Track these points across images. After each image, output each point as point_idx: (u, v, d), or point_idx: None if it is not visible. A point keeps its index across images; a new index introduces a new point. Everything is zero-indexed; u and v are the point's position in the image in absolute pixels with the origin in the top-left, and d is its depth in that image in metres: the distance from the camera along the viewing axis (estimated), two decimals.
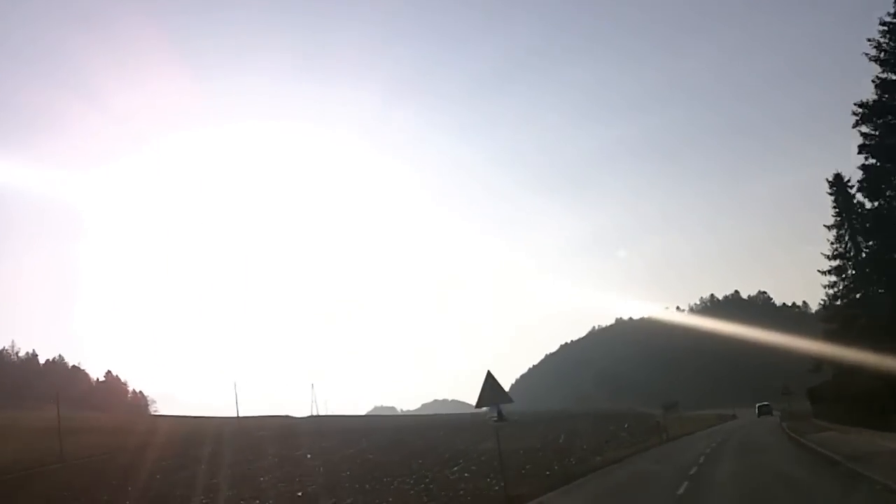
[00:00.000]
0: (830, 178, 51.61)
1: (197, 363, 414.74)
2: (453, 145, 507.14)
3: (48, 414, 78.11)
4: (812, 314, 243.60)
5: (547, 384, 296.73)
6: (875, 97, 42.22)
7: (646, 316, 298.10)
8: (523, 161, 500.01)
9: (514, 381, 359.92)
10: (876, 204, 45.23)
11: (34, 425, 78.27)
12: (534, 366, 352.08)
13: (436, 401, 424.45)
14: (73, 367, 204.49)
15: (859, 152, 43.34)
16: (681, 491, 21.27)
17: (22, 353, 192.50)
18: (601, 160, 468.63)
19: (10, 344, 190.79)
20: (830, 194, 51.73)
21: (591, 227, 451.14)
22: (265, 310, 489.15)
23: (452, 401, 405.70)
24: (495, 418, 22.89)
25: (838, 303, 53.36)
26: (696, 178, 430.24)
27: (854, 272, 50.89)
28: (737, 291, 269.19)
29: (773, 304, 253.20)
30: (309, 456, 55.75)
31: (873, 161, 43.02)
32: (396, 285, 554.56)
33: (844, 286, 51.78)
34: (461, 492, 28.43)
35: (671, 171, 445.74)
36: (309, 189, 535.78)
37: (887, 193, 43.83)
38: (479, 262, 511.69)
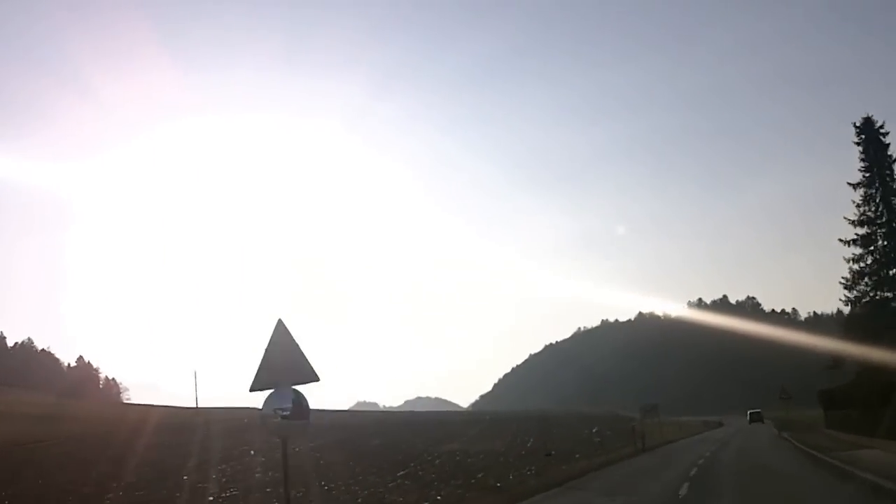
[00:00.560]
0: (858, 123, 42.40)
1: (180, 353, 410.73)
2: (441, 140, 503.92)
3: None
4: (801, 321, 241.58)
5: (530, 384, 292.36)
6: None
7: (632, 318, 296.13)
8: (512, 158, 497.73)
9: (497, 381, 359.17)
10: None
11: None
12: (517, 365, 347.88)
13: (419, 398, 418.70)
14: (43, 350, 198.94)
15: None
16: None
17: None
18: (591, 160, 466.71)
19: None
20: (858, 143, 42.69)
21: (580, 227, 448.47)
22: (249, 301, 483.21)
23: (436, 398, 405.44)
24: (283, 412, 11.69)
25: (865, 281, 44.15)
26: (686, 182, 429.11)
27: (886, 243, 42.62)
28: (725, 296, 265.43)
29: (762, 310, 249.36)
30: (252, 453, 50.63)
31: None
32: (382, 280, 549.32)
33: (874, 260, 43.28)
34: None
35: (661, 173, 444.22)
36: (294, 181, 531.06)
37: None
38: (466, 259, 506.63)
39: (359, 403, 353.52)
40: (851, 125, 42.46)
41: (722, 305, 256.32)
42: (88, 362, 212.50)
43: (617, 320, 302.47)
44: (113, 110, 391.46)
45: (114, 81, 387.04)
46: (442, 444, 52.67)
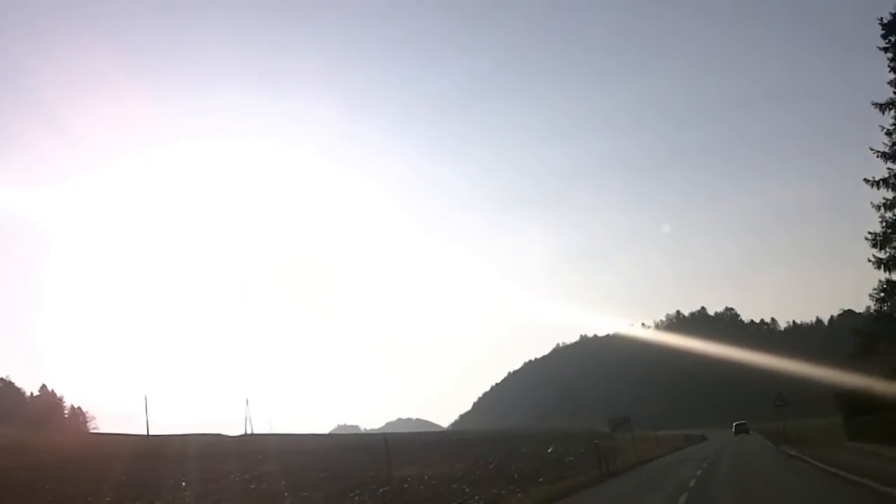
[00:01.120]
0: (885, 19, 32.72)
1: (160, 382, 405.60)
2: (420, 160, 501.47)
3: None
4: (780, 331, 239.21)
5: (510, 402, 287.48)
6: None
7: (611, 332, 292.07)
8: (492, 177, 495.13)
9: (477, 400, 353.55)
10: None
11: None
12: (497, 384, 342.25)
13: (400, 419, 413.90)
14: (1, 379, 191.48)
15: None
16: None
17: None
18: (571, 177, 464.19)
19: None
20: (884, 49, 33.20)
21: (561, 243, 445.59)
22: (226, 326, 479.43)
23: (417, 419, 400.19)
24: None
25: None
26: (666, 197, 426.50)
27: None
28: (703, 308, 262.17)
29: (741, 321, 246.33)
30: (183, 484, 45.93)
31: None
32: (364, 302, 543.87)
33: None
34: None
35: (640, 188, 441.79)
36: (272, 206, 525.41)
37: None
38: (447, 279, 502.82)
39: (339, 427, 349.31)
40: (877, 22, 33.12)
41: (700, 318, 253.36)
42: (52, 391, 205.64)
43: (596, 335, 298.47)
44: (83, 138, 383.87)
45: (87, 110, 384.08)
46: (399, 469, 48.22)
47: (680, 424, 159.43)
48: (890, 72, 32.99)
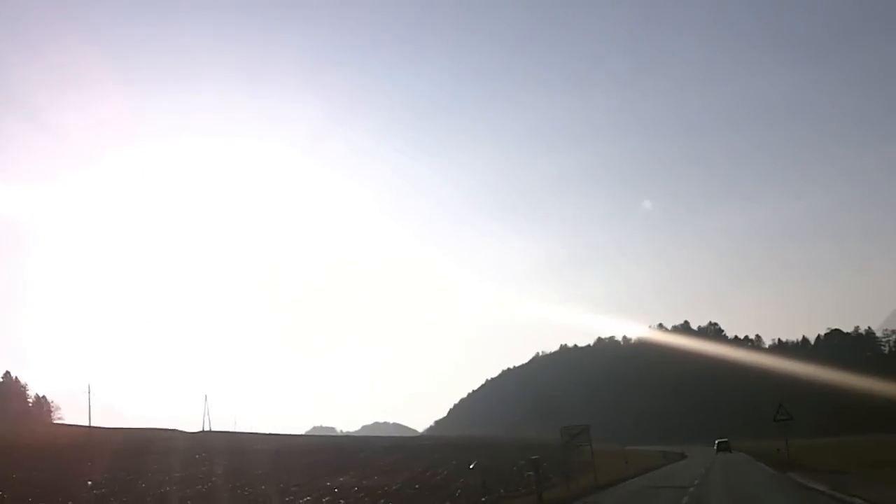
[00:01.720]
0: None
1: (138, 374, 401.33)
2: (402, 163, 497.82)
3: None
4: (766, 348, 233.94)
5: (485, 409, 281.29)
6: None
7: (591, 343, 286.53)
8: (475, 183, 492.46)
9: (452, 406, 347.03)
10: None
11: None
12: (474, 390, 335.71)
13: (377, 423, 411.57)
14: None
15: None
16: None
17: None
18: (555, 187, 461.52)
19: None
20: None
21: (542, 252, 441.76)
22: (205, 324, 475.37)
23: (394, 423, 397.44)
24: None
25: None
26: (649, 209, 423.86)
27: None
28: (686, 322, 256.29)
29: (725, 336, 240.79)
30: (89, 483, 40.03)
31: None
32: (344, 304, 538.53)
33: None
34: None
35: (624, 200, 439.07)
36: (253, 206, 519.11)
37: None
38: (429, 284, 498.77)
39: (315, 428, 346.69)
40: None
41: (683, 331, 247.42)
42: (16, 378, 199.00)
43: (576, 345, 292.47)
44: (67, 137, 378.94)
45: (70, 109, 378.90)
46: (335, 476, 42.38)
47: (659, 440, 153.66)
48: None
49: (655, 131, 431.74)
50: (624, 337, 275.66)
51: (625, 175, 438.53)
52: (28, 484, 38.50)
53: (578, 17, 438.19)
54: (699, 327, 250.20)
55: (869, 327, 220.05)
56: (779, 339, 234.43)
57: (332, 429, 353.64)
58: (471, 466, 31.26)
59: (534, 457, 31.23)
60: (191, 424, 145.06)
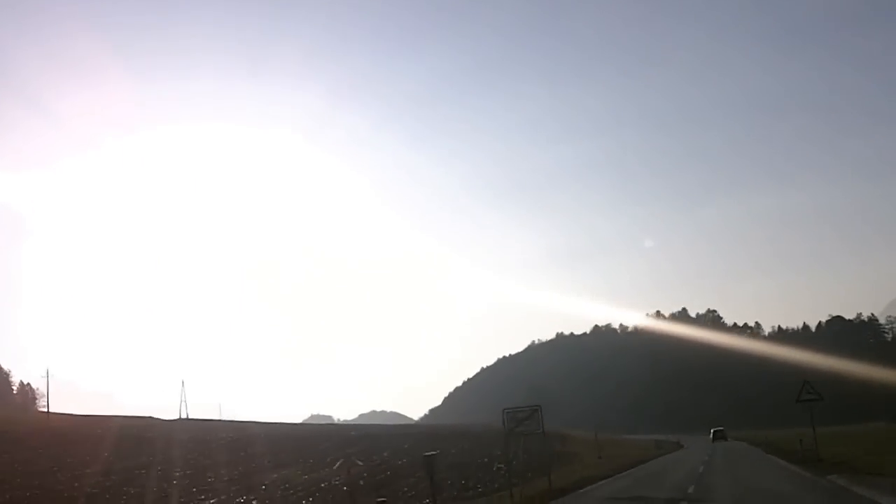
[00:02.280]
0: None
1: (136, 363, 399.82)
2: (403, 152, 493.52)
3: None
4: (765, 336, 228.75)
5: (479, 398, 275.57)
6: None
7: (587, 331, 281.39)
8: (475, 173, 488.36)
9: (447, 395, 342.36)
10: None
11: None
12: (469, 378, 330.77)
13: (374, 411, 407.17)
14: None
15: None
16: None
17: None
18: (555, 177, 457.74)
19: None
20: None
21: (541, 242, 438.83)
22: (205, 310, 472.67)
23: (392, 412, 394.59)
24: None
25: None
26: (649, 200, 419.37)
27: None
28: (684, 309, 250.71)
29: (724, 324, 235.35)
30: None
31: None
32: (342, 291, 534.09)
33: None
34: None
35: (623, 191, 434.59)
36: (253, 192, 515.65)
37: None
38: (427, 272, 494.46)
39: (313, 416, 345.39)
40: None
41: (681, 318, 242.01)
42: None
43: (572, 333, 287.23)
44: (68, 122, 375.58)
45: (71, 94, 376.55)
46: (280, 469, 37.32)
47: (656, 429, 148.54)
48: None
49: (656, 122, 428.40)
50: (621, 325, 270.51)
51: (625, 166, 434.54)
52: None
53: (580, 7, 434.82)
54: (698, 314, 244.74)
55: (872, 314, 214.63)
56: (779, 327, 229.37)
57: (330, 417, 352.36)
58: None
59: (427, 453, 22.61)
60: (169, 412, 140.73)
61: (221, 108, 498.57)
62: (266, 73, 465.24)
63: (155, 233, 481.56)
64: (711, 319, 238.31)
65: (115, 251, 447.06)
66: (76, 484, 33.87)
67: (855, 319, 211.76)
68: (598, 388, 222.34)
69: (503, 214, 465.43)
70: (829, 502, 19.82)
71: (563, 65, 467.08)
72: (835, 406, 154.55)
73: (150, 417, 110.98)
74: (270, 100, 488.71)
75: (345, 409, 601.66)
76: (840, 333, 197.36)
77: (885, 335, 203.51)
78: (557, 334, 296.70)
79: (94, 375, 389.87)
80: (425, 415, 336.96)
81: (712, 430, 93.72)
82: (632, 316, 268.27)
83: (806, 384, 33.74)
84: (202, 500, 26.60)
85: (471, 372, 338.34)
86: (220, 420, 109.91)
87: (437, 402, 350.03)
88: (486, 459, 41.86)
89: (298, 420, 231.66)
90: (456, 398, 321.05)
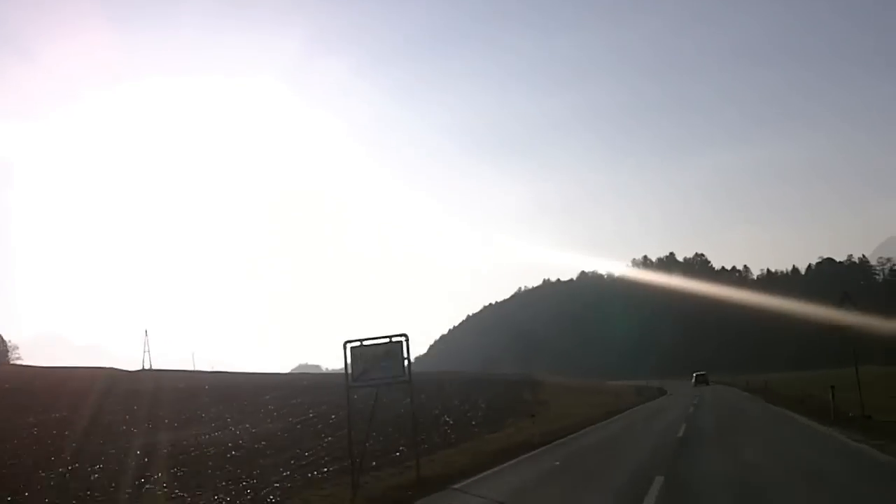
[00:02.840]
0: None
1: (127, 316, 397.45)
2: (386, 103, 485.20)
3: None
4: (754, 280, 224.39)
5: (465, 345, 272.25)
6: None
7: (574, 277, 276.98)
8: (461, 125, 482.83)
9: (433, 342, 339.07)
10: None
11: None
12: (454, 326, 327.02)
13: None
14: None
15: None
16: None
17: None
18: (543, 128, 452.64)
19: None
20: None
21: (529, 191, 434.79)
22: (183, 262, 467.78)
23: None
24: None
25: None
26: (638, 150, 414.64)
27: None
28: (672, 253, 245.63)
29: (711, 268, 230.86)
30: None
31: None
32: (327, 242, 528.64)
33: None
34: None
35: (612, 141, 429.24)
36: (236, 138, 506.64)
37: None
38: (409, 221, 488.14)
39: (301, 366, 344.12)
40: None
41: (668, 263, 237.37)
42: None
43: (559, 279, 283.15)
44: (50, 71, 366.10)
45: (50, 44, 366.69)
46: (184, 428, 32.01)
47: (642, 375, 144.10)
48: None
49: (646, 72, 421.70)
50: (608, 272, 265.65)
51: (614, 116, 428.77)
52: None
53: None
54: (685, 259, 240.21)
55: (863, 255, 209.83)
56: (767, 270, 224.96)
57: (318, 366, 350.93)
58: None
59: None
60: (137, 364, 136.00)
61: (203, 55, 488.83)
62: (248, 19, 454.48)
63: (139, 182, 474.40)
64: (699, 264, 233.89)
65: (99, 199, 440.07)
66: None
67: (846, 261, 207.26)
68: (585, 334, 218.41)
69: (490, 166, 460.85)
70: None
71: (549, 15, 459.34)
72: (827, 349, 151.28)
73: (111, 368, 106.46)
74: (252, 46, 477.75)
75: (334, 358, 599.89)
76: (830, 276, 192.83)
77: (877, 276, 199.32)
78: (544, 280, 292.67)
79: (85, 329, 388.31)
80: (411, 362, 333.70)
81: (694, 375, 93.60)
82: (619, 264, 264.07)
83: (845, 295, 27.18)
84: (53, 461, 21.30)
85: (458, 321, 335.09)
86: (184, 371, 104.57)
87: (423, 350, 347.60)
88: (437, 412, 36.60)
89: (286, 370, 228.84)
90: (441, 346, 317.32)
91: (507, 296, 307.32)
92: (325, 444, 24.34)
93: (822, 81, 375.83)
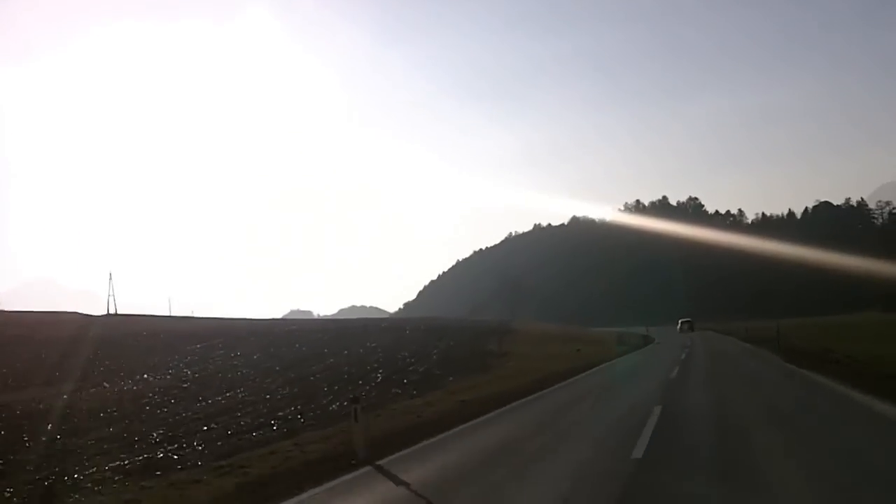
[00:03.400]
0: None
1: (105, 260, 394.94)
2: (370, 46, 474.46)
3: None
4: (748, 224, 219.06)
5: (453, 291, 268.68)
6: None
7: (565, 222, 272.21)
8: (449, 72, 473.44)
9: (422, 287, 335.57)
10: None
11: None
12: (444, 272, 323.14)
13: (353, 306, 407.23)
14: None
15: None
16: None
17: None
18: (532, 74, 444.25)
19: None
20: None
21: (520, 139, 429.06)
22: (173, 206, 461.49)
23: (371, 307, 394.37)
24: None
25: None
26: (628, 95, 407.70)
27: None
28: (665, 197, 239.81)
29: (705, 212, 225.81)
30: None
31: None
32: (318, 189, 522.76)
33: None
34: None
35: (604, 86, 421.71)
36: (215, 78, 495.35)
37: None
38: (397, 168, 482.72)
39: (292, 311, 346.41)
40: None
41: (661, 207, 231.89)
42: None
43: (550, 224, 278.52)
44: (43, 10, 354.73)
45: None
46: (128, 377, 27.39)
47: (631, 321, 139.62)
48: None
49: (638, 17, 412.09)
50: (600, 217, 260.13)
51: (605, 62, 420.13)
52: None
53: None
54: (678, 202, 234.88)
55: (861, 198, 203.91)
56: (762, 214, 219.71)
57: (310, 312, 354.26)
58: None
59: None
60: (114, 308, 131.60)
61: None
62: None
63: (132, 122, 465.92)
64: (693, 207, 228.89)
65: (89, 143, 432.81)
66: None
67: (843, 205, 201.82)
68: (575, 280, 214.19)
69: (481, 115, 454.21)
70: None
71: None
72: (823, 296, 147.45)
73: (74, 313, 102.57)
74: None
75: (326, 304, 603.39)
76: (827, 220, 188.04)
77: (875, 220, 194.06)
78: (535, 226, 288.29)
79: (77, 275, 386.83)
80: (399, 309, 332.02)
81: (679, 321, 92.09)
82: (611, 209, 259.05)
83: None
84: None
85: (448, 266, 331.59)
86: (148, 316, 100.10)
87: (413, 296, 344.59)
88: (376, 364, 31.79)
89: (278, 316, 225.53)
90: (430, 291, 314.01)
91: (498, 241, 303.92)
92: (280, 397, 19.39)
93: (816, 26, 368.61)
